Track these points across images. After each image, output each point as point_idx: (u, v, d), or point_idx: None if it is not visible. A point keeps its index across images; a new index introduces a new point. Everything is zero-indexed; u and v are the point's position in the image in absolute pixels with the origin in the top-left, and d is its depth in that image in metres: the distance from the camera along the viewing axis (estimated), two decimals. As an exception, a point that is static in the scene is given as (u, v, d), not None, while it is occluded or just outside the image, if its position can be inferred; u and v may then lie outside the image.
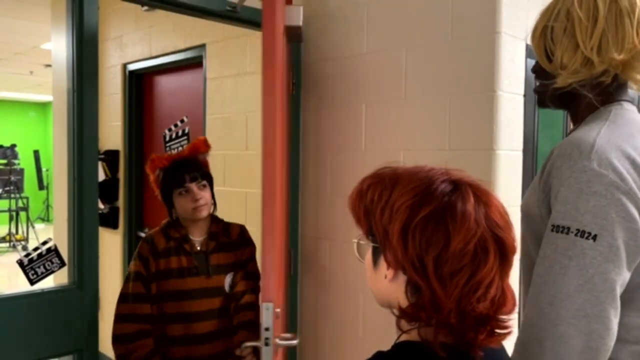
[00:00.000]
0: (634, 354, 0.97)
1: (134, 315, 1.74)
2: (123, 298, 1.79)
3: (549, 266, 0.93)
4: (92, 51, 1.79)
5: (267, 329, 1.53)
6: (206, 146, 1.87)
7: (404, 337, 0.79)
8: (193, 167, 1.81)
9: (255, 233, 2.73)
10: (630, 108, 1.05)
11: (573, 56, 1.02)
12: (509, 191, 1.84)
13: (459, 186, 0.76)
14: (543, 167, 1.02)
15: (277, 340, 1.39)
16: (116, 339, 1.74)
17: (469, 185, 0.77)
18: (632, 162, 0.93)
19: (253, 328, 1.76)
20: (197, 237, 1.85)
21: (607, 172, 0.91)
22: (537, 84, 1.15)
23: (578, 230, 0.91)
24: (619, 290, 0.92)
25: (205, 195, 1.81)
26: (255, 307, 1.80)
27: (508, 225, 0.77)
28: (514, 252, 0.77)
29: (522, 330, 0.96)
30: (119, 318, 1.76)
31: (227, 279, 1.83)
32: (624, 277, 0.92)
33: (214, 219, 1.90)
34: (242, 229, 1.95)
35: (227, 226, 1.92)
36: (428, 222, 0.73)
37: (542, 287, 0.93)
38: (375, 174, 0.82)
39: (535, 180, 1.07)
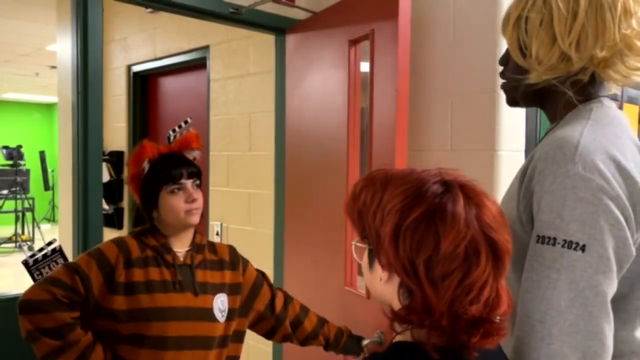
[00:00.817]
0: None
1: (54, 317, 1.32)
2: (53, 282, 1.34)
3: (537, 280, 0.87)
4: (97, 53, 1.80)
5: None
6: (197, 142, 1.56)
7: (399, 338, 0.79)
8: (189, 162, 1.51)
9: (263, 234, 2.75)
10: (610, 105, 0.98)
11: (549, 51, 0.93)
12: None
13: (449, 187, 0.75)
14: (523, 170, 0.95)
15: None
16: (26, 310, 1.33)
17: (460, 186, 0.76)
18: (618, 165, 0.87)
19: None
20: (179, 249, 1.48)
21: (593, 177, 0.85)
22: (504, 80, 1.06)
23: (565, 240, 0.85)
24: (609, 301, 0.86)
25: (200, 197, 1.48)
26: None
27: (501, 226, 0.75)
28: (508, 253, 0.75)
29: (514, 350, 0.90)
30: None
31: (218, 302, 1.49)
32: (614, 287, 0.87)
33: (195, 230, 1.55)
34: (232, 249, 1.62)
35: (211, 243, 1.60)
36: (418, 225, 0.72)
37: (531, 303, 0.87)
38: (368, 177, 0.82)
39: (512, 185, 1.01)
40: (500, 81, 1.09)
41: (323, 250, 2.13)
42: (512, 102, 1.10)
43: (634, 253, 0.88)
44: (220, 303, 1.50)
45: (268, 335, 1.63)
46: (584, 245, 0.84)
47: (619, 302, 0.90)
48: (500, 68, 1.08)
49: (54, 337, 1.31)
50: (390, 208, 0.74)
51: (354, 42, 1.97)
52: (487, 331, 0.72)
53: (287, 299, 1.65)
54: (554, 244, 0.86)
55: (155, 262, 1.44)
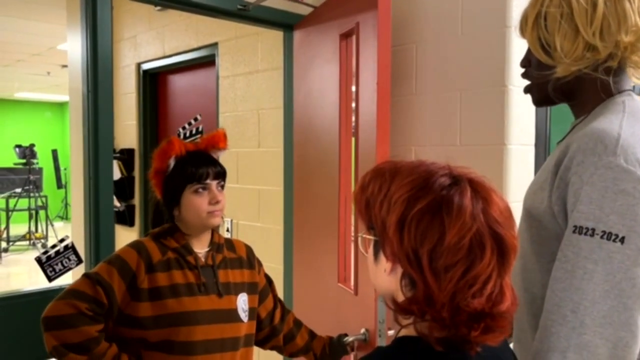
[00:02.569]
0: None
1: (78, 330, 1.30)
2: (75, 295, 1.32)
3: (571, 271, 0.87)
4: (106, 51, 1.82)
5: (381, 322, 1.62)
6: (225, 141, 1.52)
7: (403, 332, 0.79)
8: (216, 162, 1.46)
9: (273, 230, 2.76)
10: (637, 99, 0.98)
11: (574, 42, 0.94)
12: (520, 186, 1.83)
13: (457, 181, 0.75)
14: (557, 161, 0.94)
15: (389, 332, 1.49)
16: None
17: (468, 181, 0.76)
18: None
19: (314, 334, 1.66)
20: (199, 250, 1.46)
21: (634, 169, 0.85)
22: (529, 80, 1.07)
23: (604, 232, 0.85)
24: None
25: (223, 199, 1.44)
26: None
27: (508, 222, 0.75)
28: (514, 250, 0.75)
29: (539, 340, 0.90)
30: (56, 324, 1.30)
31: (240, 302, 1.47)
32: None
33: (213, 229, 1.52)
34: (249, 247, 1.61)
35: (228, 240, 1.58)
36: (424, 215, 0.72)
37: (564, 292, 0.87)
38: (377, 168, 0.82)
39: (542, 177, 1.00)
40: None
41: (322, 246, 2.14)
42: (540, 100, 1.09)
43: None
44: (243, 303, 1.48)
45: (259, 342, 1.62)
46: (623, 237, 0.84)
47: None
48: (522, 70, 1.08)
49: (80, 352, 1.29)
50: (396, 198, 0.75)
51: (344, 36, 1.96)
52: (488, 326, 0.72)
53: (285, 311, 1.66)
54: (592, 235, 0.86)
55: (177, 264, 1.40)
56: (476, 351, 0.74)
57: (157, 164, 1.46)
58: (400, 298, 0.77)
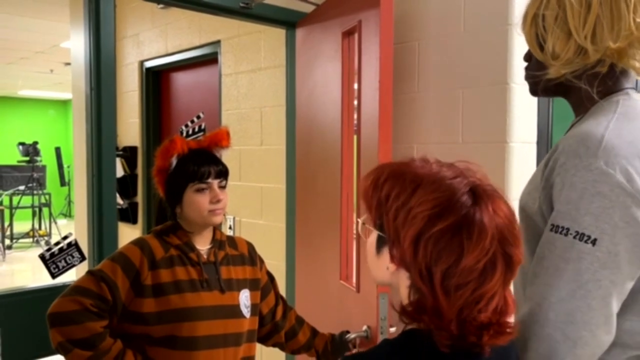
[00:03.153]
0: (632, 359, 0.93)
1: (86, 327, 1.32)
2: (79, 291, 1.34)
3: (546, 267, 0.89)
4: (109, 49, 1.82)
5: (383, 319, 1.63)
6: (228, 140, 1.52)
7: (411, 325, 0.80)
8: (218, 161, 1.47)
9: (275, 228, 2.77)
10: (637, 97, 0.98)
11: (565, 45, 0.94)
12: (521, 184, 1.82)
13: (478, 199, 0.75)
14: (546, 161, 0.96)
15: (391, 329, 1.50)
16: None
17: (488, 197, 0.76)
18: None
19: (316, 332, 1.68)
20: (201, 247, 1.48)
21: (614, 172, 0.85)
22: (526, 75, 1.09)
23: (577, 232, 0.86)
24: (615, 299, 0.87)
25: (225, 198, 1.46)
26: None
27: (517, 239, 0.77)
28: (519, 264, 0.77)
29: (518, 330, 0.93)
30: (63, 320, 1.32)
31: (243, 298, 1.49)
32: (623, 285, 0.88)
33: (215, 226, 1.54)
34: (250, 245, 1.62)
35: (230, 237, 1.60)
36: (443, 235, 0.73)
37: (537, 287, 0.90)
38: (395, 169, 0.81)
39: (535, 176, 1.02)
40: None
41: (324, 244, 2.15)
42: (534, 93, 1.11)
43: None
44: (245, 299, 1.50)
45: (261, 339, 1.63)
46: (595, 239, 0.85)
47: (637, 294, 0.91)
48: (525, 64, 1.09)
49: (85, 348, 1.31)
50: (417, 212, 0.74)
51: (347, 34, 1.96)
52: (497, 331, 0.74)
53: (287, 308, 1.67)
54: (566, 234, 0.87)
55: (180, 261, 1.42)
56: (487, 352, 0.75)
57: (159, 162, 1.48)
58: (404, 300, 0.79)
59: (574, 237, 0.86)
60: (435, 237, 0.73)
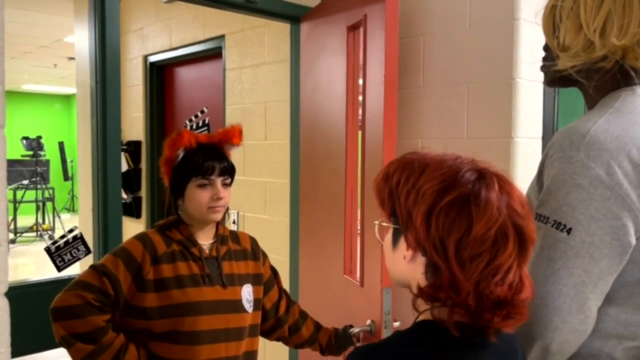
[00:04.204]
0: (628, 350, 0.95)
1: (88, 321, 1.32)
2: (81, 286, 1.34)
3: None
4: (114, 43, 1.82)
5: (387, 313, 1.64)
6: (240, 138, 1.52)
7: (422, 317, 0.82)
8: (224, 158, 1.47)
9: (279, 222, 2.77)
10: None
11: (575, 38, 0.96)
12: (528, 179, 1.83)
13: (484, 175, 0.79)
14: (542, 158, 1.00)
15: (395, 324, 1.52)
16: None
17: (494, 175, 0.79)
18: (627, 153, 0.89)
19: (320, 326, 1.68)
20: (203, 241, 1.48)
21: (594, 165, 0.88)
22: (542, 64, 1.11)
23: (555, 221, 0.90)
24: (592, 289, 0.90)
25: (227, 196, 1.46)
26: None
27: (528, 215, 0.79)
28: (532, 241, 0.79)
29: None
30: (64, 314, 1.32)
31: (245, 293, 1.49)
32: (601, 277, 0.90)
33: (218, 222, 1.53)
34: (253, 239, 1.62)
35: (233, 232, 1.59)
36: (452, 207, 0.76)
37: None
38: (403, 159, 0.85)
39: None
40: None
41: (328, 239, 2.15)
42: (550, 83, 1.13)
43: (634, 242, 0.90)
44: (247, 294, 1.50)
45: (264, 333, 1.64)
46: (570, 229, 0.89)
47: (635, 287, 0.93)
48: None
49: (88, 342, 1.31)
50: (425, 190, 0.78)
51: (351, 29, 1.96)
52: (509, 313, 0.76)
53: (290, 303, 1.67)
54: (545, 222, 0.92)
55: (182, 256, 1.42)
56: (495, 336, 0.78)
57: (167, 152, 1.49)
58: (422, 283, 0.80)
59: (552, 226, 0.91)
60: (445, 209, 0.76)
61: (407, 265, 0.82)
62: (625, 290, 0.93)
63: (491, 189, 0.77)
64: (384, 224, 0.87)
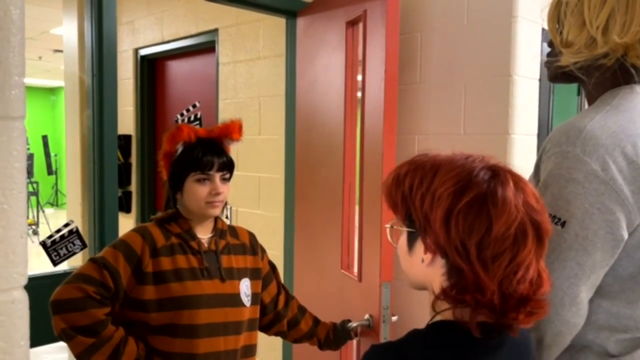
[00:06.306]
0: (620, 342, 0.97)
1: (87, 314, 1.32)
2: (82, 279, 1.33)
3: None
4: (111, 35, 1.80)
5: (386, 308, 1.65)
6: (239, 133, 1.50)
7: (438, 317, 0.81)
8: (223, 153, 1.46)
9: (273, 218, 2.77)
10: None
11: (578, 34, 0.97)
12: (524, 175, 1.85)
13: (497, 173, 0.78)
14: (539, 153, 1.02)
15: (393, 318, 1.53)
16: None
17: (507, 172, 0.79)
18: (622, 150, 0.90)
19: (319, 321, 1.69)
20: (202, 235, 1.48)
21: (589, 160, 0.89)
22: (546, 59, 1.12)
23: (550, 214, 0.90)
24: (584, 282, 0.92)
25: (225, 191, 1.45)
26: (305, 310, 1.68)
27: (543, 209, 0.79)
28: (548, 235, 0.79)
29: None
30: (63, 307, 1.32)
31: (243, 287, 1.49)
32: (593, 270, 0.92)
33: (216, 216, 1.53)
34: (252, 234, 1.63)
35: (232, 227, 1.59)
36: (470, 208, 0.75)
37: None
38: (413, 161, 0.83)
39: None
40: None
41: (324, 234, 2.16)
42: (552, 79, 1.13)
43: (626, 236, 0.92)
44: (246, 288, 1.50)
45: (263, 328, 1.64)
46: (564, 222, 0.91)
47: (628, 281, 0.95)
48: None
49: (88, 335, 1.31)
50: (441, 192, 0.77)
51: (351, 24, 1.96)
52: (532, 309, 0.76)
53: (289, 297, 1.67)
54: None
55: (181, 249, 1.42)
56: (515, 335, 0.78)
57: (166, 146, 1.48)
58: (438, 287, 0.79)
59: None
60: (464, 211, 0.75)
61: (425, 268, 0.81)
62: (619, 283, 0.95)
63: (507, 186, 0.76)
64: (398, 227, 0.86)
